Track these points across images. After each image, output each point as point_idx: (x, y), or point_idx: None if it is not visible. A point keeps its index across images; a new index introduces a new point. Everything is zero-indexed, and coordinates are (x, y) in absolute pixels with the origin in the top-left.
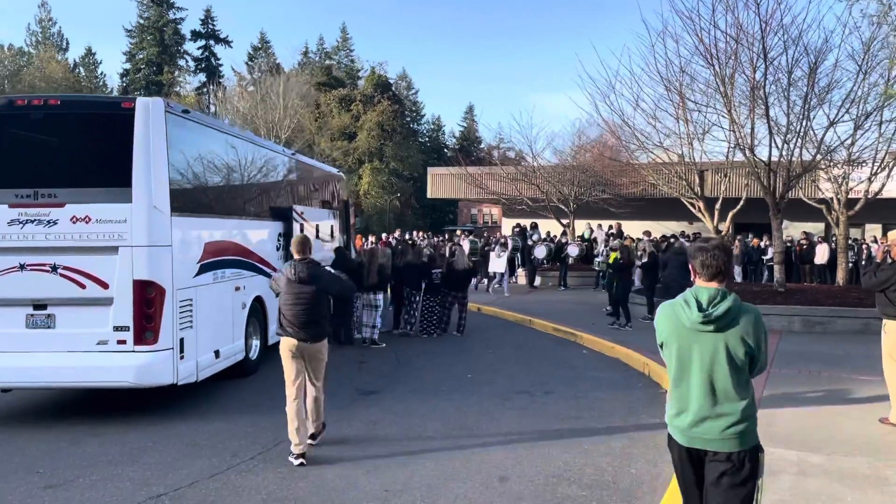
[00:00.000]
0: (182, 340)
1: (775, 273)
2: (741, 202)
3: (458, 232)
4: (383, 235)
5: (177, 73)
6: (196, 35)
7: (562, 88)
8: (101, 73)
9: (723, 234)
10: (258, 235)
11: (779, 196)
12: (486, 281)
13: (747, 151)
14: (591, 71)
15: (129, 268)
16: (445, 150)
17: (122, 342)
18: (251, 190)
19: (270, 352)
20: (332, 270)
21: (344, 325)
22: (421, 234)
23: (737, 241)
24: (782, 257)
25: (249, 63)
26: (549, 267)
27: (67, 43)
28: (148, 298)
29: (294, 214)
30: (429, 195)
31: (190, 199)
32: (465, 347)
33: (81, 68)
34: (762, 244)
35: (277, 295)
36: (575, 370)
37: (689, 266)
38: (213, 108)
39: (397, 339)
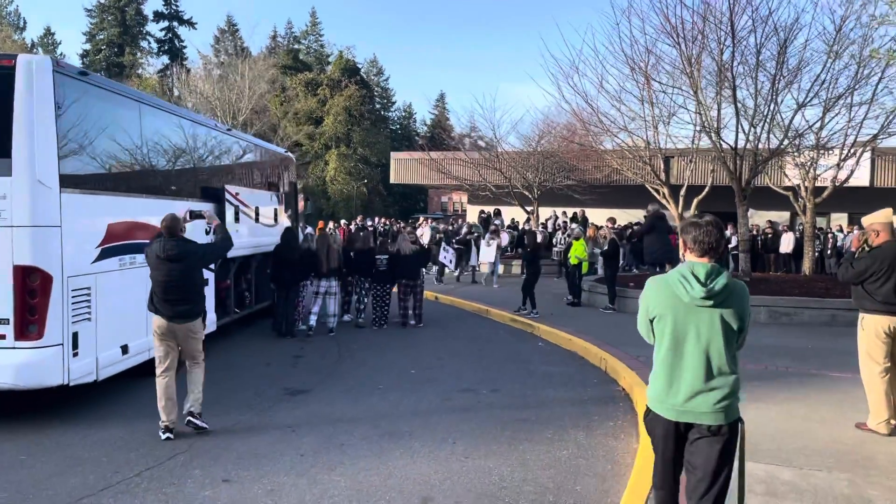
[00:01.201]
0: (76, 335)
1: (740, 262)
2: (706, 189)
3: (422, 218)
4: (342, 221)
5: (138, 54)
6: (158, 16)
7: (534, 77)
8: (61, 54)
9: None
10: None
11: (745, 182)
12: (435, 269)
13: (713, 135)
14: (554, 51)
15: (8, 251)
16: (416, 138)
17: (2, 337)
18: (172, 166)
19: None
20: (204, 247)
21: (286, 316)
22: (384, 220)
23: None
24: (748, 245)
25: (216, 46)
26: (511, 255)
27: (25, 22)
28: (31, 287)
29: (227, 195)
30: (392, 180)
31: (88, 174)
32: (414, 340)
33: (40, 48)
34: (727, 233)
35: None
36: (527, 365)
37: (681, 241)
38: (175, 92)
39: (347, 329)
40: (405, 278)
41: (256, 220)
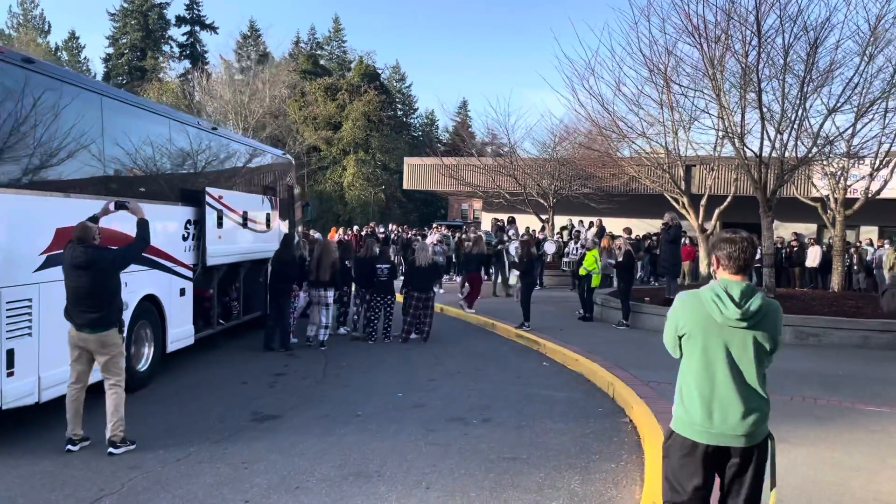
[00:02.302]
0: (11, 352)
1: (764, 277)
2: (728, 199)
3: (434, 225)
4: (354, 228)
5: (160, 58)
6: (181, 20)
7: (548, 80)
8: (85, 58)
9: (707, 233)
10: (153, 222)
11: (770, 192)
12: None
13: (737, 141)
14: (569, 52)
15: None
16: (438, 145)
17: None
18: (139, 166)
19: (174, 360)
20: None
21: (280, 328)
22: (397, 227)
23: None
24: (772, 259)
25: (239, 52)
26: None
27: (49, 26)
28: None
29: (208, 199)
30: (405, 186)
31: (29, 173)
32: (410, 357)
33: (64, 52)
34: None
35: None
36: (527, 388)
37: (713, 257)
38: (196, 96)
39: (341, 343)
40: (417, 290)
41: (244, 225)
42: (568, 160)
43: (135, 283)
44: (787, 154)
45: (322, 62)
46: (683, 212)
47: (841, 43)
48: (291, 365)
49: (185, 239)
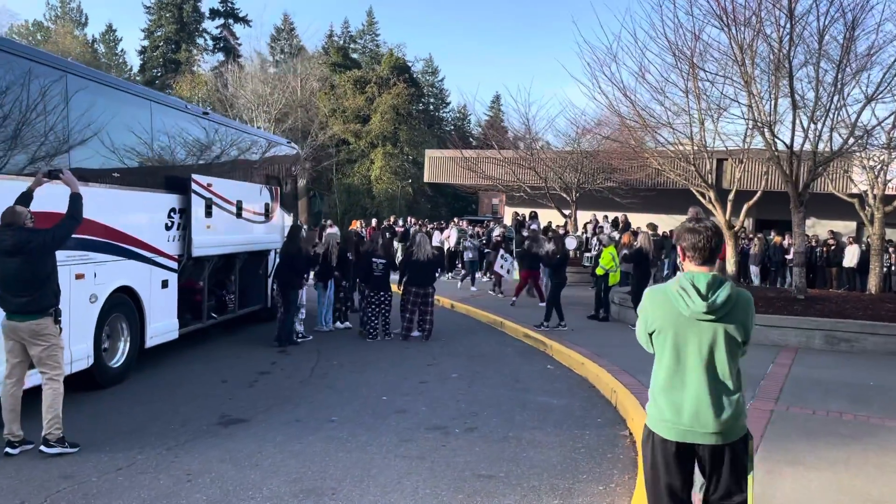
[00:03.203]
0: None
1: (794, 276)
2: (758, 193)
3: (456, 219)
4: (373, 221)
5: (194, 51)
6: (214, 13)
7: (575, 73)
8: (121, 51)
9: (735, 229)
10: (129, 209)
11: (802, 186)
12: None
13: (766, 131)
14: (589, 37)
15: None
16: (471, 140)
17: None
18: (111, 150)
19: (157, 355)
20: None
21: (285, 323)
22: (415, 221)
23: (756, 239)
24: (803, 258)
25: (272, 45)
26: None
27: (86, 18)
28: None
29: (194, 186)
30: (426, 179)
31: None
32: (407, 357)
33: (101, 45)
34: (786, 243)
35: None
36: (524, 393)
37: (678, 249)
38: (230, 89)
39: (342, 339)
40: (416, 285)
41: (239, 215)
42: (591, 152)
43: (105, 274)
44: (820, 146)
45: (355, 55)
46: (710, 207)
47: (881, 25)
48: (280, 362)
49: (168, 228)
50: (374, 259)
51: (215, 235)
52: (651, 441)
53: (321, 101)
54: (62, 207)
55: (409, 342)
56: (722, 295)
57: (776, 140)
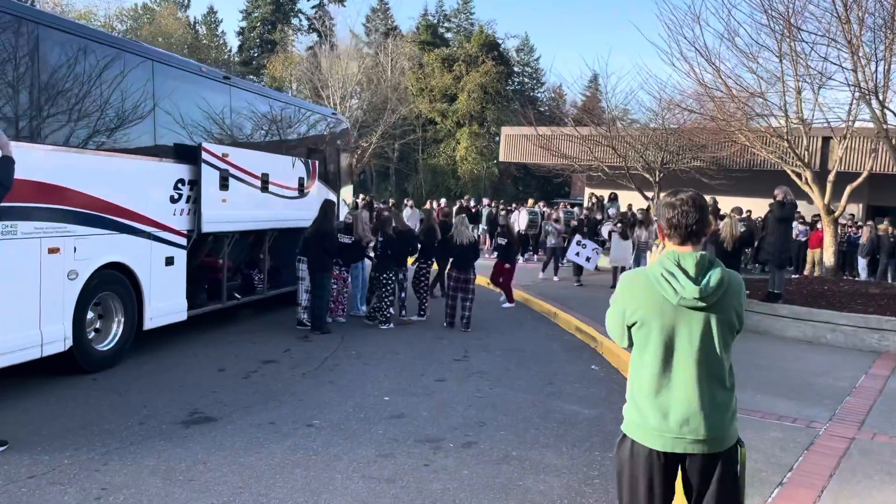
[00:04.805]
0: None
1: None
2: (864, 174)
3: (528, 202)
4: (442, 201)
5: (289, 31)
6: None
7: (654, 37)
8: (222, 32)
9: (835, 215)
10: (122, 179)
11: None
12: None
13: (874, 100)
14: None
15: None
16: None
17: None
18: (98, 112)
19: (160, 337)
20: None
21: (317, 308)
22: (492, 203)
23: (866, 227)
24: None
25: (367, 25)
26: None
27: (188, 0)
28: None
29: (206, 156)
30: (501, 158)
31: None
32: (436, 348)
33: (203, 26)
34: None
35: None
36: (552, 399)
37: (657, 226)
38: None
39: (374, 326)
40: (457, 269)
41: (265, 189)
42: (676, 129)
43: (89, 249)
44: None
45: (449, 35)
46: (807, 189)
47: None
48: (295, 350)
49: (174, 201)
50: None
51: (233, 210)
52: (631, 451)
53: (409, 81)
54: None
55: (447, 332)
56: (714, 277)
57: (885, 111)
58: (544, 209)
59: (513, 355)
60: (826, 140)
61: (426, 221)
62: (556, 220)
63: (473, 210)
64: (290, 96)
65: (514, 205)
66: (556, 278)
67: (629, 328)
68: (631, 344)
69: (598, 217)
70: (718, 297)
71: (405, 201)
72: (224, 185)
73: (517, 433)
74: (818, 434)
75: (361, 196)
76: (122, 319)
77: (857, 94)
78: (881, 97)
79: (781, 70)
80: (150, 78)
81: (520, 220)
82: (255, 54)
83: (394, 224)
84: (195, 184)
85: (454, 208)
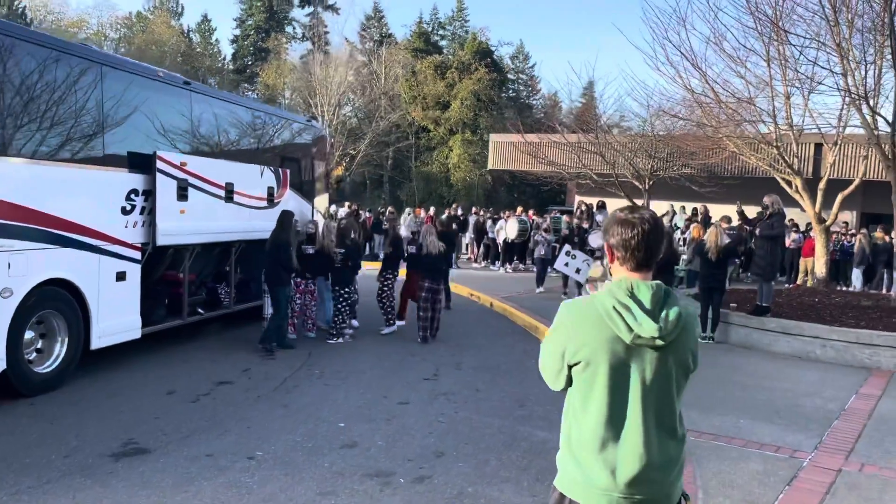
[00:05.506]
0: None
1: None
2: (856, 182)
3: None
4: (431, 209)
5: (283, 39)
6: (304, 1)
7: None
8: (216, 40)
9: (827, 223)
10: (66, 189)
11: None
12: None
13: (864, 106)
14: None
15: None
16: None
17: None
18: (39, 120)
19: (113, 355)
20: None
21: (269, 322)
22: (480, 211)
23: (860, 235)
24: None
25: (362, 33)
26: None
27: (182, 8)
28: None
29: (161, 165)
30: (490, 165)
31: None
32: (406, 365)
33: (197, 35)
34: (887, 239)
35: None
36: (521, 424)
37: (605, 246)
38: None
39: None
40: (429, 279)
41: (229, 199)
42: (665, 136)
43: (26, 265)
44: None
45: (443, 42)
46: (797, 197)
47: None
48: (255, 369)
49: (126, 213)
50: (336, 250)
51: (193, 221)
52: None
53: (403, 88)
54: None
55: (420, 347)
56: (673, 312)
57: (876, 116)
58: (533, 218)
59: (485, 373)
60: (818, 146)
61: (391, 231)
62: (546, 230)
63: (462, 218)
64: (260, 103)
65: (505, 213)
66: (540, 290)
67: (570, 368)
68: (566, 386)
69: (586, 226)
70: (677, 334)
71: (408, 211)
72: (182, 196)
73: (477, 465)
74: (802, 466)
75: (347, 204)
76: (67, 339)
77: (847, 100)
78: (872, 103)
79: (770, 75)
80: (99, 83)
81: (508, 229)
82: (249, 62)
83: (353, 235)
84: (150, 194)
85: (445, 216)
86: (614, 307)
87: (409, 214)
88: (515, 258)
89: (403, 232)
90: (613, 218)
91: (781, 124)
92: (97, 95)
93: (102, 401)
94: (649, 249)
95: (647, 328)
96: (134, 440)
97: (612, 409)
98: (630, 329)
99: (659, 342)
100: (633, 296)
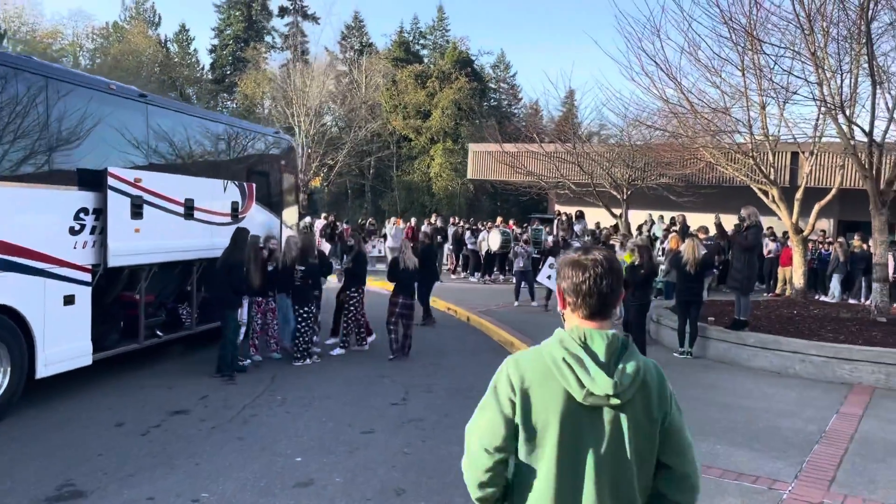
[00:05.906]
0: None
1: (874, 294)
2: (833, 191)
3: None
4: (411, 220)
5: (261, 48)
6: (283, 11)
7: (615, 52)
8: (194, 50)
9: (804, 234)
10: (6, 209)
11: (885, 182)
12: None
13: (839, 115)
14: (629, 8)
15: None
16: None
17: None
18: None
19: (62, 383)
20: None
21: (221, 349)
22: (460, 221)
23: (837, 244)
24: (885, 272)
25: (343, 43)
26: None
27: (160, 18)
28: None
29: (112, 181)
30: (469, 175)
31: None
32: (373, 391)
33: (174, 44)
34: (865, 248)
35: None
36: None
37: (557, 289)
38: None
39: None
40: (403, 295)
41: (189, 215)
42: (642, 146)
43: None
44: None
45: (424, 52)
46: (774, 207)
47: None
48: (213, 396)
49: (75, 233)
50: (297, 267)
51: (149, 240)
52: None
53: (383, 97)
54: None
55: (391, 368)
56: (630, 366)
57: (853, 126)
58: (513, 228)
59: (457, 397)
60: (795, 155)
61: (356, 246)
62: (526, 242)
63: (443, 229)
64: (224, 115)
65: (486, 224)
66: (516, 303)
67: (523, 439)
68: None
69: (564, 236)
70: (634, 391)
71: (392, 220)
72: (137, 213)
73: (442, 502)
74: (782, 499)
75: (324, 215)
76: (9, 369)
77: (822, 109)
78: (848, 112)
79: (745, 84)
80: (42, 96)
81: (490, 240)
82: (228, 72)
83: (314, 252)
84: (101, 213)
85: (429, 228)
86: (564, 359)
87: (393, 225)
88: (496, 269)
89: (390, 243)
90: (565, 259)
91: (757, 134)
92: (41, 109)
93: (45, 436)
94: (602, 296)
95: (601, 384)
96: (71, 482)
97: (560, 479)
98: (582, 385)
99: (614, 400)
100: (585, 346)
